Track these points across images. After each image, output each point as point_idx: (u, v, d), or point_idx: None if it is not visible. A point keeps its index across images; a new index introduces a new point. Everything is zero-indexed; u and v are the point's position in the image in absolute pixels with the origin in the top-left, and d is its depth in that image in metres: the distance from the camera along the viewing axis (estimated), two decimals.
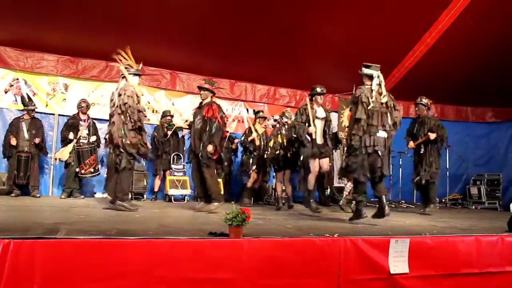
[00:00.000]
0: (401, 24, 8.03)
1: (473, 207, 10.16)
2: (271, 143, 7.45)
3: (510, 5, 7.65)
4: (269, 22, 7.78)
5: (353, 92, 5.42)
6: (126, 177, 5.83)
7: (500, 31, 8.12)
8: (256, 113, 9.17)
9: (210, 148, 5.99)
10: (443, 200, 10.01)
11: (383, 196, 5.07)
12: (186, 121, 6.69)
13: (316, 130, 6.46)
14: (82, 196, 7.89)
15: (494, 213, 8.59)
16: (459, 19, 7.91)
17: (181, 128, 8.86)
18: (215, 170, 6.48)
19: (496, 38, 8.28)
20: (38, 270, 2.73)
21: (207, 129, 6.06)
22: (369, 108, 4.99)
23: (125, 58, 5.84)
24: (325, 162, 6.53)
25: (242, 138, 8.72)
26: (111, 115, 5.84)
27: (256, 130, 8.39)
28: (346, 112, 9.34)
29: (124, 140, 5.61)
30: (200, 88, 6.37)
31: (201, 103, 6.34)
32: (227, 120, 7.54)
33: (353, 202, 5.58)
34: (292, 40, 8.26)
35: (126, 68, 5.85)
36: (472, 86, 9.67)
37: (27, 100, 7.91)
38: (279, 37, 8.14)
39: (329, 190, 8.83)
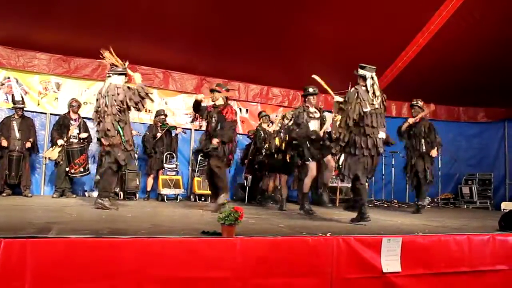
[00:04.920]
0: (393, 25, 8.05)
1: (465, 206, 10.24)
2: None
3: (502, 7, 7.71)
4: (262, 22, 7.77)
5: (349, 90, 5.42)
6: (110, 175, 5.79)
7: (492, 32, 8.17)
8: (259, 113, 9.14)
9: (214, 141, 6.11)
10: (435, 200, 10.08)
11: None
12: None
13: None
14: (74, 195, 7.84)
15: (485, 212, 8.67)
16: (451, 20, 7.95)
17: (174, 127, 8.86)
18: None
19: (488, 39, 8.34)
20: (29, 270, 2.71)
21: (219, 126, 6.18)
22: (366, 111, 4.97)
23: (110, 58, 5.82)
24: (329, 159, 6.64)
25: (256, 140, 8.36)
26: (98, 114, 5.80)
27: (264, 130, 8.29)
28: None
29: (113, 139, 5.63)
30: (211, 90, 6.52)
31: (214, 104, 6.44)
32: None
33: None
34: (285, 40, 8.26)
35: (111, 67, 5.83)
36: (464, 87, 9.72)
37: (16, 98, 7.84)
38: (273, 37, 8.13)
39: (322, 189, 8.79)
